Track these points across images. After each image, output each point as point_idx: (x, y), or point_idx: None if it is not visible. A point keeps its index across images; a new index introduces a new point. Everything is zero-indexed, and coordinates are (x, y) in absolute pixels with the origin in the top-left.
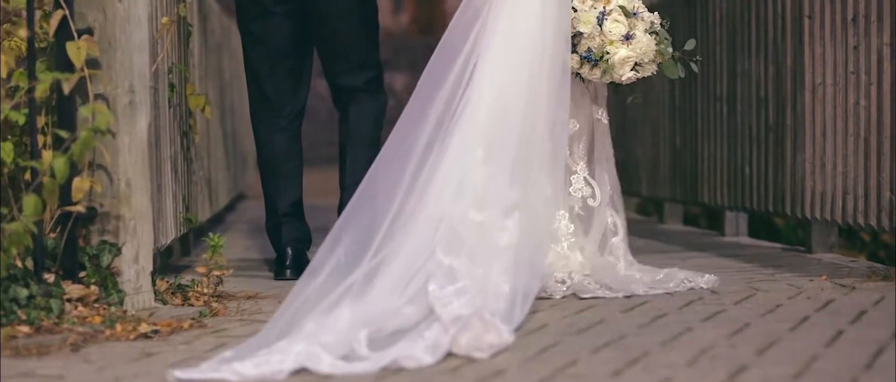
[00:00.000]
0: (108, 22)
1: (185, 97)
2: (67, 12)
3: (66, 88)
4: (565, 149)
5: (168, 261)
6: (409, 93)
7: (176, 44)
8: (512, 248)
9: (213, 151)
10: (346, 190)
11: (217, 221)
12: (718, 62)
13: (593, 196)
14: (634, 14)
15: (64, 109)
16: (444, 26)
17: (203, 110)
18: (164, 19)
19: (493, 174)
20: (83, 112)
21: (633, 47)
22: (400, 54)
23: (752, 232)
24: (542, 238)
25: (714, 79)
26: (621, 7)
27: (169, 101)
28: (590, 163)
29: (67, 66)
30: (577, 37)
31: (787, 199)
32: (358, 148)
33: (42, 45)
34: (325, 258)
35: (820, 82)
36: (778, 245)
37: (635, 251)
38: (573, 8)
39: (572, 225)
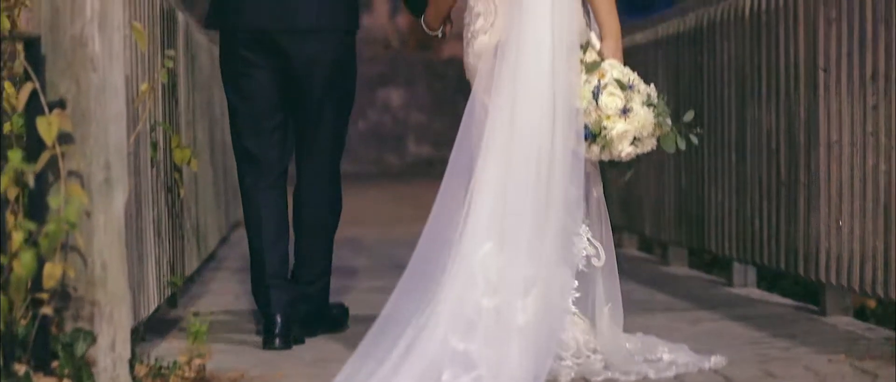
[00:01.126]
0: (82, 93)
1: (170, 151)
2: (37, 85)
3: (31, 180)
4: (578, 223)
5: (151, 318)
6: (405, 110)
7: (159, 101)
8: (529, 327)
9: (201, 195)
10: (302, 283)
11: (208, 260)
12: (726, 107)
13: (598, 256)
14: (630, 86)
15: (33, 192)
16: (440, 42)
17: (189, 163)
18: (144, 87)
19: (509, 259)
20: (52, 203)
21: (631, 121)
22: (397, 69)
23: (761, 277)
24: (558, 313)
25: (721, 125)
26: (617, 80)
27: (151, 161)
28: (591, 225)
29: (38, 143)
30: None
31: (801, 259)
32: (314, 238)
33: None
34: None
35: (836, 140)
36: (790, 301)
37: (639, 305)
38: None
39: (576, 282)
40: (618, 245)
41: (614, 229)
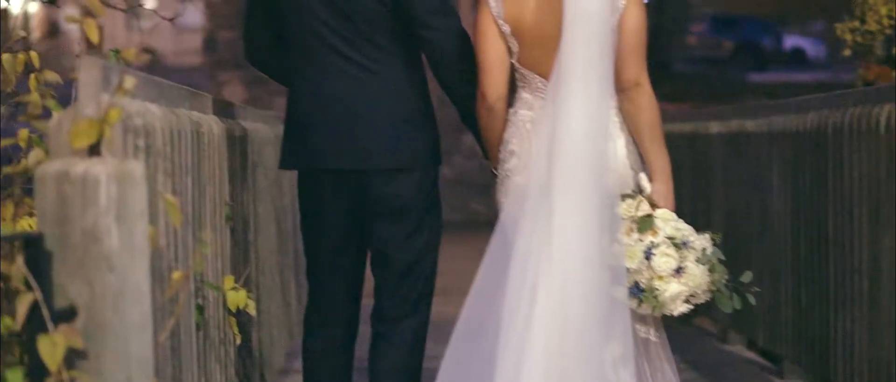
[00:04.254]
0: (97, 299)
1: (222, 297)
2: (39, 296)
3: None
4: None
5: None
6: None
7: (211, 253)
8: None
9: (265, 309)
10: None
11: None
12: (857, 228)
13: None
14: (684, 243)
15: None
16: None
17: (246, 307)
18: (176, 275)
19: None
20: None
21: (686, 281)
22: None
23: None
24: None
25: (851, 248)
26: (670, 237)
27: (197, 327)
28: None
29: (41, 366)
30: (623, 271)
31: None
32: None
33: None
34: None
35: None
36: None
37: None
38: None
39: None
40: (724, 341)
41: (717, 321)
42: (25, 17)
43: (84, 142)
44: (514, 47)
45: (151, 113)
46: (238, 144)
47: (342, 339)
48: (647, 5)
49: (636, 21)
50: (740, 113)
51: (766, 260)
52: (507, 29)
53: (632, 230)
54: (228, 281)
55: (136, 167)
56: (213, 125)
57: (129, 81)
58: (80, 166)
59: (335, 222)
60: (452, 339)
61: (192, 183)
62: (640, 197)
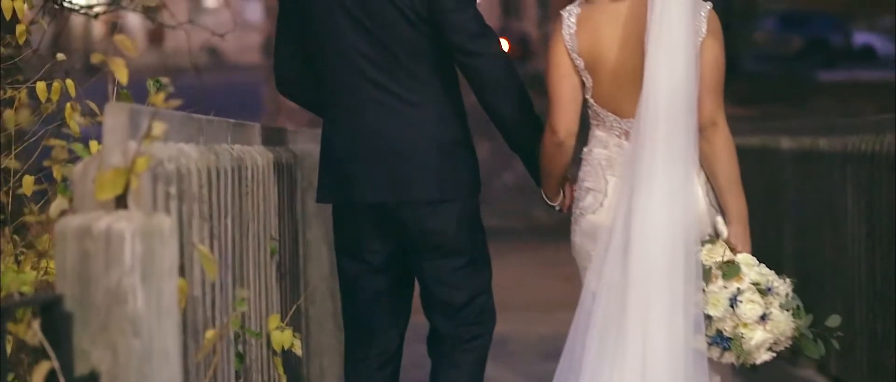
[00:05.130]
0: (121, 364)
1: (266, 337)
2: (57, 365)
3: None
4: None
5: None
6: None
7: (254, 293)
8: None
9: (315, 341)
10: None
11: None
12: None
13: None
14: (769, 289)
15: None
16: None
17: (292, 347)
18: (210, 334)
19: None
20: None
21: (771, 328)
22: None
23: None
24: None
25: None
26: (754, 283)
27: (237, 375)
28: None
29: None
30: (705, 319)
31: None
32: None
33: None
34: None
35: None
36: None
37: None
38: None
39: None
40: (794, 364)
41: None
42: (61, 30)
43: (109, 194)
44: (588, 82)
45: (186, 155)
46: (286, 172)
47: (388, 374)
48: (714, 2)
49: (715, 56)
50: (812, 130)
51: (840, 285)
52: (581, 63)
53: (716, 277)
54: (273, 321)
55: (165, 221)
56: (257, 157)
57: (159, 127)
58: (104, 221)
59: (375, 259)
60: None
61: (232, 223)
62: (719, 242)
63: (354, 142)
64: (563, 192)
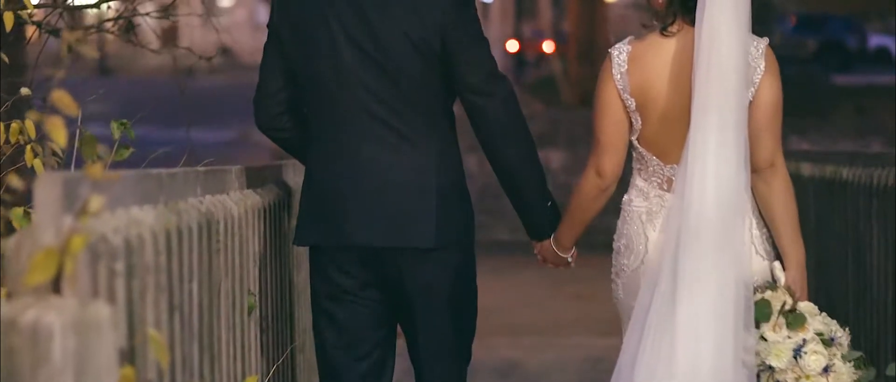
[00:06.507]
0: None
1: None
2: None
3: None
4: None
5: None
6: (567, 174)
7: (228, 357)
8: None
9: (310, 370)
10: None
11: None
12: None
13: None
14: (832, 339)
15: None
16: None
17: None
18: None
19: None
20: None
21: (833, 380)
22: (557, 128)
23: None
24: None
25: None
26: (819, 334)
27: None
28: None
29: None
30: (764, 369)
31: None
32: None
33: None
34: None
35: None
36: None
37: None
38: (762, 337)
39: None
40: None
41: None
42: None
43: (39, 279)
44: (637, 124)
45: (138, 222)
46: (273, 213)
47: None
48: None
49: (773, 96)
50: (835, 158)
51: (863, 326)
52: (632, 103)
53: (779, 326)
54: None
55: (103, 311)
56: (232, 207)
57: (97, 202)
58: (31, 312)
59: (355, 306)
60: None
61: (199, 286)
62: (780, 289)
63: (348, 178)
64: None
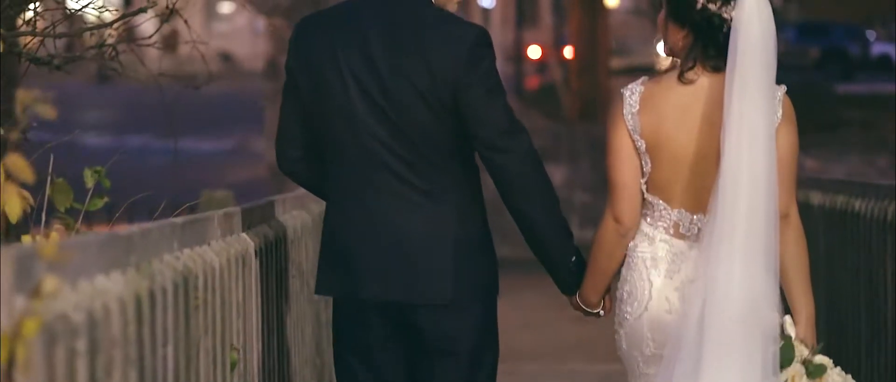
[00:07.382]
0: None
1: None
2: None
3: None
4: None
5: None
6: (568, 189)
7: None
8: None
9: None
10: None
11: None
12: None
13: None
14: None
15: None
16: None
17: None
18: None
19: None
20: None
21: None
22: (559, 143)
23: None
24: None
25: None
26: None
27: None
28: None
29: None
30: None
31: None
32: None
33: None
34: None
35: None
36: None
37: None
38: None
39: None
40: None
41: None
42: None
43: None
44: (647, 166)
45: (104, 293)
46: (261, 257)
47: None
48: None
49: (790, 144)
50: (847, 188)
51: (877, 374)
52: (642, 145)
53: (799, 375)
54: None
55: None
56: (213, 259)
57: (51, 283)
58: None
59: (376, 360)
60: None
61: (174, 349)
62: (797, 342)
63: (364, 232)
64: (605, 298)
